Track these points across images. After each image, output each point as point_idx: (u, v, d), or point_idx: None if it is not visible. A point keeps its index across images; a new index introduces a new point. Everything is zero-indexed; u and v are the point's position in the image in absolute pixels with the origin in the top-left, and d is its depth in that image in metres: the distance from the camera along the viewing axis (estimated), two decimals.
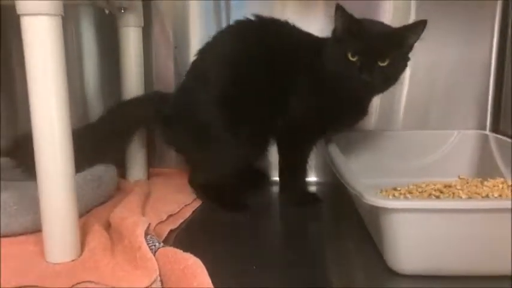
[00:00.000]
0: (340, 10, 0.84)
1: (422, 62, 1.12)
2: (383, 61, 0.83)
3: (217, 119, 0.91)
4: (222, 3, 1.13)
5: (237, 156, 0.92)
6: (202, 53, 0.96)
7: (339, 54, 0.84)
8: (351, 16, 0.84)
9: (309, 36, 0.95)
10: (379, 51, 0.83)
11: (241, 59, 0.91)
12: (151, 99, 1.04)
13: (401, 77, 1.10)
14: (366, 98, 0.94)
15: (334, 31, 0.88)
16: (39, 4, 0.64)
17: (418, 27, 0.84)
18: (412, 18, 1.10)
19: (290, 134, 0.94)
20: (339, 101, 0.90)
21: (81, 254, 0.72)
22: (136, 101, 1.04)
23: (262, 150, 0.97)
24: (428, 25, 1.10)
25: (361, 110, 0.96)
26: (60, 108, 0.68)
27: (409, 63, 1.11)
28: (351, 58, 0.83)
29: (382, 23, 0.90)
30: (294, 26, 0.95)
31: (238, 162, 0.93)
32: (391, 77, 0.87)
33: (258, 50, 0.91)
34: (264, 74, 0.90)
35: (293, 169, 0.99)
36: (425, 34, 1.09)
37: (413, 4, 1.11)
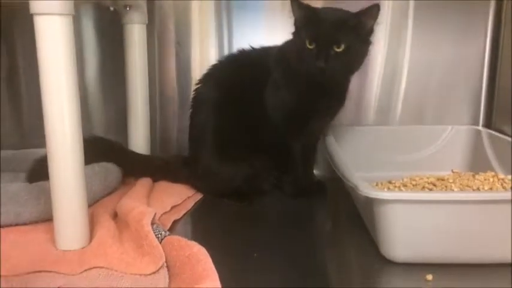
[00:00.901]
0: (296, 2, 0.88)
1: (418, 60, 1.16)
2: (338, 47, 0.86)
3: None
4: (223, 3, 1.16)
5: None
6: (202, 81, 1.03)
7: (300, 44, 0.88)
8: (307, 6, 0.88)
9: (275, 46, 1.00)
10: (333, 37, 0.86)
11: (231, 85, 0.98)
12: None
13: (399, 73, 1.15)
14: (327, 84, 0.92)
15: (294, 23, 0.92)
16: (52, 4, 0.67)
17: (373, 10, 0.87)
18: (410, 21, 1.14)
19: (276, 133, 0.97)
20: (306, 91, 0.93)
21: (90, 242, 0.75)
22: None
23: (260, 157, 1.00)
24: (425, 24, 1.14)
25: (334, 98, 0.97)
26: (71, 102, 0.71)
27: (406, 60, 1.15)
28: (308, 46, 0.86)
29: (340, 10, 0.91)
30: (270, 46, 1.01)
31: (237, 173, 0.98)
32: (350, 62, 0.90)
33: (245, 76, 0.98)
34: (250, 95, 0.97)
35: (291, 164, 1.01)
36: (421, 34, 1.14)
37: (411, 4, 1.13)
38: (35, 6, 0.67)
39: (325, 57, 0.85)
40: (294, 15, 0.90)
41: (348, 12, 0.90)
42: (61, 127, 0.71)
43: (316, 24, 0.87)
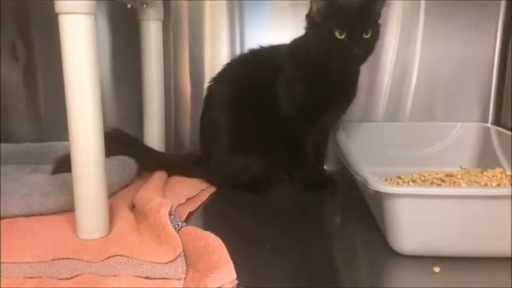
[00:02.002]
0: None
1: (428, 58, 1.18)
2: (367, 33, 0.90)
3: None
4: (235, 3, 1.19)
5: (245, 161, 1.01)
6: (214, 80, 1.07)
7: (324, 35, 0.90)
8: None
9: (284, 44, 1.03)
10: (362, 25, 0.89)
11: (243, 82, 1.02)
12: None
13: (409, 70, 1.17)
14: (351, 73, 0.99)
15: (308, 16, 0.93)
16: (77, 4, 0.70)
17: None
18: (421, 18, 1.16)
19: (287, 128, 1.00)
20: (321, 84, 0.95)
21: (109, 232, 0.79)
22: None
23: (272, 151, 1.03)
24: (436, 22, 1.15)
25: (346, 90, 1.00)
26: (93, 97, 0.74)
27: (416, 57, 1.17)
28: (338, 36, 0.89)
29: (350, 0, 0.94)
30: (279, 45, 1.03)
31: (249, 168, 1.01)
32: (372, 46, 0.93)
33: (256, 74, 1.02)
34: (262, 92, 1.00)
35: (302, 158, 1.04)
36: (432, 31, 1.15)
37: (422, 4, 1.15)
38: (60, 6, 0.70)
39: (358, 45, 0.89)
40: (310, 8, 0.92)
41: (360, 0, 0.92)
42: (83, 121, 0.74)
43: (342, 14, 0.90)
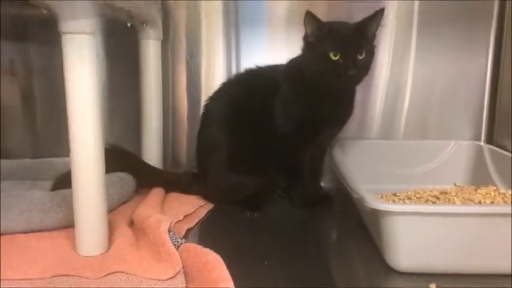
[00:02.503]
0: (309, 16, 0.92)
1: (421, 77, 1.20)
2: (361, 55, 0.91)
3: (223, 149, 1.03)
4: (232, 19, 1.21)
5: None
6: (211, 98, 1.09)
7: (319, 57, 0.92)
8: (319, 20, 0.92)
9: (281, 64, 1.05)
10: (356, 47, 0.91)
11: (240, 101, 1.04)
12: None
13: (402, 89, 1.20)
14: (347, 92, 1.00)
15: (305, 37, 0.96)
16: (80, 23, 0.71)
17: (378, 16, 0.93)
18: (413, 38, 1.18)
19: (284, 145, 1.01)
20: (318, 102, 0.97)
21: (109, 249, 0.79)
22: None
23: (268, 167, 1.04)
24: (428, 42, 1.18)
25: (344, 108, 1.02)
26: (94, 114, 0.75)
27: (409, 76, 1.20)
28: (333, 58, 0.91)
29: (345, 22, 0.96)
30: (276, 65, 1.06)
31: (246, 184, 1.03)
32: (367, 67, 0.95)
33: (252, 92, 1.04)
34: (258, 110, 1.02)
35: (299, 175, 1.05)
36: (425, 50, 1.18)
37: (414, 22, 1.18)
38: (64, 25, 0.72)
39: (353, 66, 0.91)
40: (306, 29, 0.94)
41: (350, 23, 0.95)
42: (84, 138, 0.75)
43: (337, 36, 0.92)
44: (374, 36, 0.96)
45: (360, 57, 0.91)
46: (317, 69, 0.94)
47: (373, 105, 1.22)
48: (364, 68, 0.94)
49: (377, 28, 0.95)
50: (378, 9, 0.93)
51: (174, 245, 0.75)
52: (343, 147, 1.11)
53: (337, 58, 0.91)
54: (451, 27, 1.18)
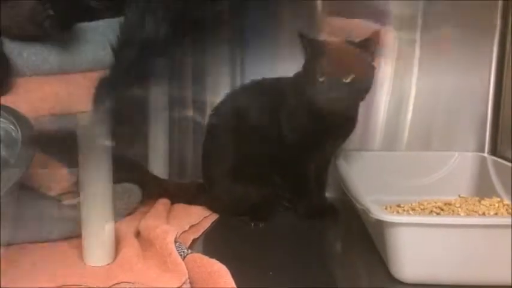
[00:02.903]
0: (302, 37, 0.93)
1: (425, 88, 1.21)
2: (346, 78, 0.90)
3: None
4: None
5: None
6: (217, 108, 1.10)
7: (310, 77, 0.93)
8: (313, 40, 0.93)
9: (286, 77, 1.05)
10: (340, 70, 0.90)
11: (245, 111, 1.04)
12: None
13: (405, 101, 1.20)
14: (337, 112, 0.97)
15: (304, 56, 0.97)
16: None
17: (374, 38, 0.93)
18: (417, 50, 1.19)
19: (289, 156, 1.02)
20: (321, 117, 0.96)
21: (115, 259, 0.80)
22: None
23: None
24: (431, 55, 1.19)
25: (345, 123, 1.02)
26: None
27: (413, 88, 1.20)
28: (319, 79, 0.91)
29: (343, 41, 0.96)
30: (282, 77, 1.07)
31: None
32: (358, 90, 0.94)
33: (258, 104, 1.04)
34: (264, 122, 1.03)
35: (304, 186, 1.06)
36: (428, 63, 1.19)
37: (418, 35, 1.19)
38: None
39: (336, 89, 0.90)
40: (303, 49, 0.96)
41: (352, 42, 0.95)
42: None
43: (323, 58, 0.92)
44: (372, 58, 0.94)
45: (346, 81, 0.90)
46: (307, 87, 0.94)
47: (376, 117, 1.23)
48: (351, 92, 0.91)
49: (374, 49, 0.93)
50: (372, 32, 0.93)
51: (180, 255, 0.76)
52: (347, 159, 1.12)
53: (322, 79, 0.90)
54: (454, 39, 1.18)
